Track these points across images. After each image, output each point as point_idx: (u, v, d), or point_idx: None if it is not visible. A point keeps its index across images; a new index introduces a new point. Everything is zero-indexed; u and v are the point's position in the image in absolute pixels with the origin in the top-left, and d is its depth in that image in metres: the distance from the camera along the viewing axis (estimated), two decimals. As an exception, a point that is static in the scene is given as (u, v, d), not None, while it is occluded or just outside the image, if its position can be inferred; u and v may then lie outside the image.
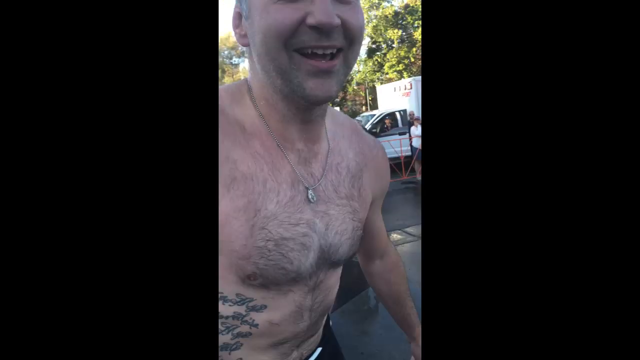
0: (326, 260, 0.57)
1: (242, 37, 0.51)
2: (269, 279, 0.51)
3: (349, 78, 19.31)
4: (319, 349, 0.70)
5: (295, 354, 0.63)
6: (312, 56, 0.45)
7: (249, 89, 0.55)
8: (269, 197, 0.50)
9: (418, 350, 0.79)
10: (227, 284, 0.52)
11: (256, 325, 0.55)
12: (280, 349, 0.59)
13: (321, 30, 0.44)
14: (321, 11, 0.43)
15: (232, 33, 0.55)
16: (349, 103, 19.50)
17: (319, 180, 0.56)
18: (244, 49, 0.55)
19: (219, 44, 20.01)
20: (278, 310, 0.55)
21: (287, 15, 0.43)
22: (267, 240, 0.50)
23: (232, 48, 19.81)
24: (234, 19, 0.51)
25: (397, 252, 0.85)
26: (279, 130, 0.53)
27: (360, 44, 0.49)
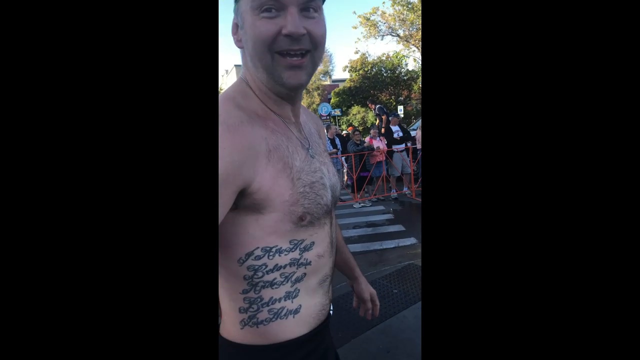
0: (334, 197, 0.77)
1: (239, 42, 0.69)
2: (313, 215, 0.69)
3: (415, 76, 18.70)
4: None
5: (329, 293, 0.80)
6: (288, 56, 0.64)
7: (247, 84, 0.71)
8: (293, 157, 0.68)
9: (358, 287, 1.02)
10: (281, 236, 0.67)
11: (309, 263, 0.71)
12: (324, 286, 0.77)
13: (292, 37, 0.62)
14: (291, 24, 0.61)
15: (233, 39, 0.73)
16: (414, 102, 18.93)
17: (309, 143, 0.76)
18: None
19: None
20: (321, 243, 0.74)
21: (269, 28, 0.62)
22: (304, 186, 0.67)
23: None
24: (233, 27, 0.69)
25: None
26: (278, 111, 0.72)
27: (323, 47, 0.68)
